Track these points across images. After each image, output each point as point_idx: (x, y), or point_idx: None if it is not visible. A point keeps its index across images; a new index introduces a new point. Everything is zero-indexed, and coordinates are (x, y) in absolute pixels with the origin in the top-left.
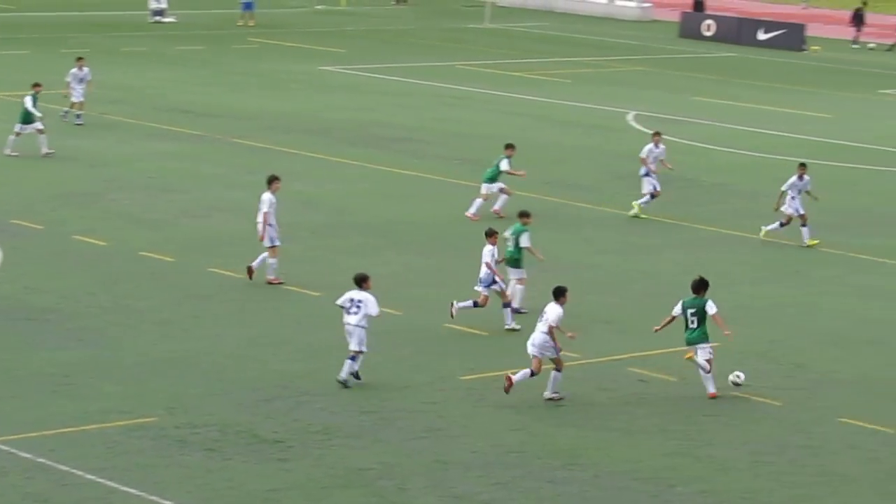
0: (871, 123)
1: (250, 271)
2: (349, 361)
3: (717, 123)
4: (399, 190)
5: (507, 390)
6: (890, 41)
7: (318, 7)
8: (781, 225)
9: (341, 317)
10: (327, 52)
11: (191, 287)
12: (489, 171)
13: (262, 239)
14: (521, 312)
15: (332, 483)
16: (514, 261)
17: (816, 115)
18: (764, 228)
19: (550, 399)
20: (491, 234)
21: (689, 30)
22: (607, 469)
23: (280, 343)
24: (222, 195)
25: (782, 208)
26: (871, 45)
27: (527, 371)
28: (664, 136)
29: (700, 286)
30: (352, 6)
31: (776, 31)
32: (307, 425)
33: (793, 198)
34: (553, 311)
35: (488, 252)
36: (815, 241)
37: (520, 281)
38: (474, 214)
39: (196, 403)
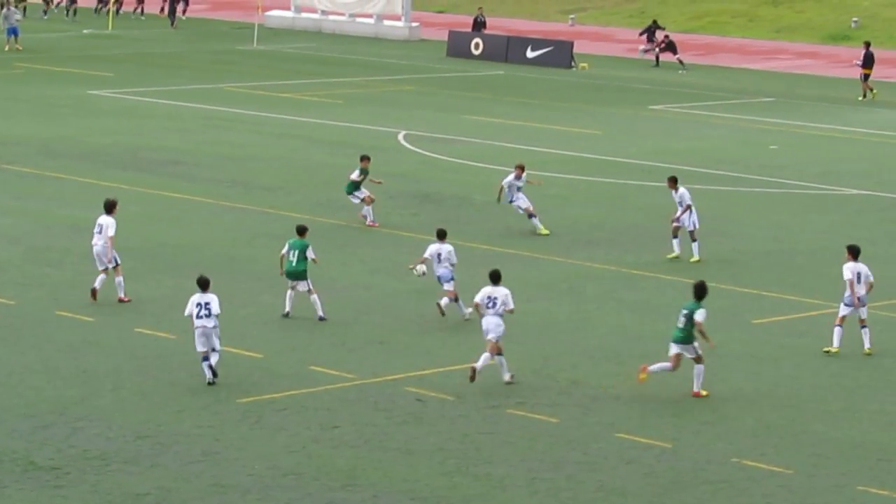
0: (641, 139)
1: (94, 293)
2: (213, 355)
3: (488, 142)
4: (170, 213)
5: (472, 379)
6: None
7: (86, 31)
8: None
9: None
10: (96, 77)
11: None
12: (347, 184)
13: (109, 262)
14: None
15: None
16: (299, 273)
17: (586, 131)
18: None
19: (510, 382)
20: (443, 235)
21: (457, 49)
22: (386, 489)
23: (54, 369)
24: None
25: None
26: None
27: (487, 355)
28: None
29: (700, 292)
30: (119, 30)
31: (544, 48)
32: (83, 451)
33: (690, 210)
34: (508, 295)
35: (450, 252)
36: (696, 259)
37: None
38: (373, 221)
39: None
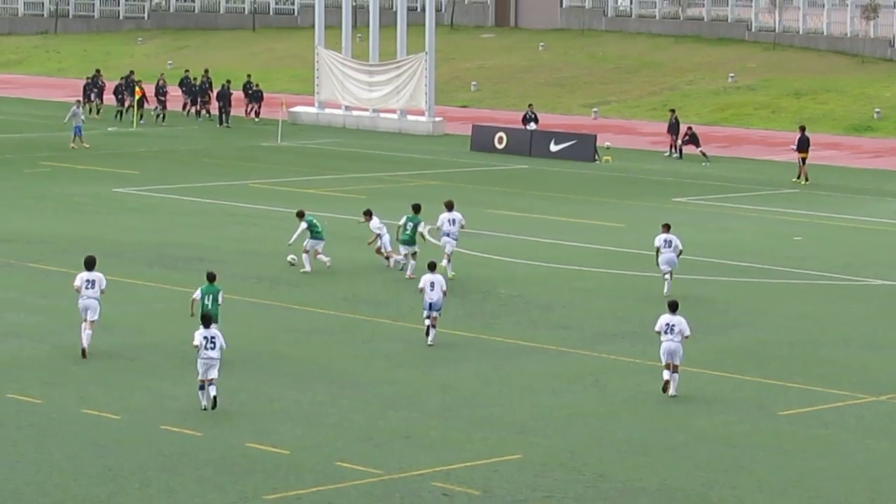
0: None
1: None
2: (212, 387)
3: (513, 235)
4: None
5: (665, 390)
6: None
7: (111, 129)
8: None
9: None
10: (120, 174)
11: None
12: (405, 234)
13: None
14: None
15: None
16: (214, 315)
17: (610, 224)
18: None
19: (674, 395)
20: (433, 266)
21: (480, 143)
22: None
23: (80, 467)
24: (17, 320)
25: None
26: (666, 154)
27: (667, 373)
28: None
29: None
30: (144, 128)
31: (567, 142)
32: None
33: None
34: (684, 323)
35: (443, 280)
36: None
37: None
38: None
39: None
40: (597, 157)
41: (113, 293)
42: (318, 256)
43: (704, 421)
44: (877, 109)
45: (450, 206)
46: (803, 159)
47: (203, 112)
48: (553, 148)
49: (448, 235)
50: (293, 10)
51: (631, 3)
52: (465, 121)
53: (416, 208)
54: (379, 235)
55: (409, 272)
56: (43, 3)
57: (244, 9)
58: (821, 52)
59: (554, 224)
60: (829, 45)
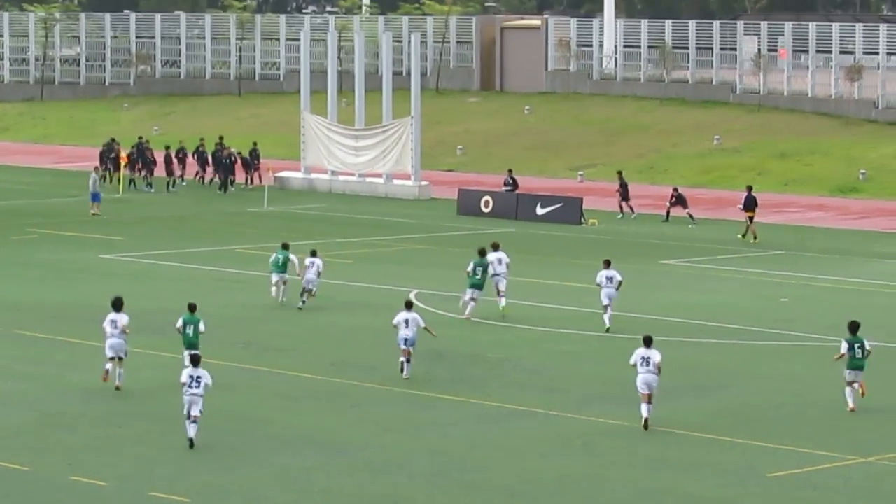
0: (652, 294)
1: None
2: (193, 424)
3: (500, 299)
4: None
5: (645, 428)
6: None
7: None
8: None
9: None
10: (106, 241)
11: None
12: (474, 278)
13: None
14: None
15: None
16: (196, 343)
17: (597, 287)
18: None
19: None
20: (410, 305)
21: (467, 207)
22: None
23: None
24: (4, 387)
25: None
26: (633, 216)
27: (645, 406)
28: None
29: (856, 328)
30: (130, 194)
31: (553, 205)
32: None
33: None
34: (658, 354)
35: (419, 319)
36: None
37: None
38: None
39: None
40: (583, 220)
41: (100, 361)
42: (280, 288)
43: (693, 484)
44: (862, 170)
45: (495, 248)
46: (751, 218)
47: (222, 180)
48: (539, 211)
49: (498, 275)
50: (279, 75)
51: (616, 66)
52: (452, 185)
53: (483, 252)
54: (307, 267)
55: (467, 312)
56: (29, 71)
57: (230, 74)
58: (805, 113)
59: (541, 287)
60: (813, 107)
